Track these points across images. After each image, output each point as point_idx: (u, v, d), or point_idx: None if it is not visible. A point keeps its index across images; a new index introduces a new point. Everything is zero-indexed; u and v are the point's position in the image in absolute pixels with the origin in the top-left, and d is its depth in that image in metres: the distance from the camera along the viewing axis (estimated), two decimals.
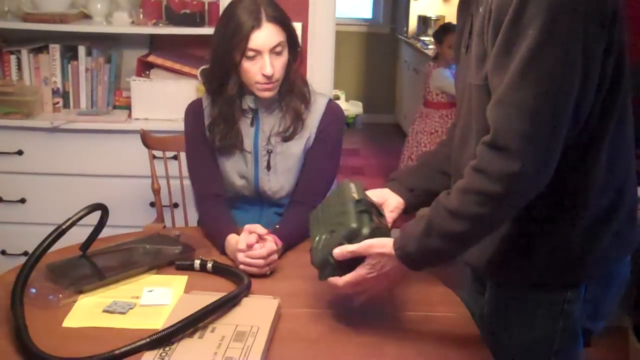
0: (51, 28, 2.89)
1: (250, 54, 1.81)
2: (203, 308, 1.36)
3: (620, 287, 1.42)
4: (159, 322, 1.39)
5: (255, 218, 1.96)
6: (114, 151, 2.89)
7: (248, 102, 1.91)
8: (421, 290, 1.60)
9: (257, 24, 1.79)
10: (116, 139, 2.88)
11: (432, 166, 1.62)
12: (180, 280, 1.62)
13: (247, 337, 1.33)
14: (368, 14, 7.23)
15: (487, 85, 1.24)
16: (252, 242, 1.66)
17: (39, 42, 2.97)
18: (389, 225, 1.53)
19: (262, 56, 1.81)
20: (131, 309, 1.48)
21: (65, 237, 1.49)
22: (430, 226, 1.29)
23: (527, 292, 1.37)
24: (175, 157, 2.51)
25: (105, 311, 1.46)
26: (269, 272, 1.66)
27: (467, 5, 1.39)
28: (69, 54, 2.99)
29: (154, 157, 2.46)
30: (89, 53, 2.98)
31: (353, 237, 1.35)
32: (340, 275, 1.37)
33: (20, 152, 2.88)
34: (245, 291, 1.50)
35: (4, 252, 3.01)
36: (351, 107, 5.41)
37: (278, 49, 1.83)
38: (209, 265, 1.65)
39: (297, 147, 1.93)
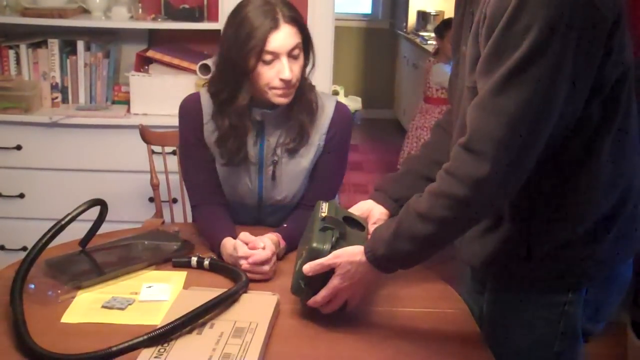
0: (50, 23, 2.89)
1: (267, 57, 1.69)
2: (201, 305, 1.36)
3: (621, 288, 1.40)
4: (157, 318, 1.39)
5: (253, 219, 1.93)
6: (113, 146, 2.89)
7: (255, 116, 1.81)
8: (421, 287, 1.60)
9: (274, 25, 1.68)
10: (115, 134, 2.88)
11: (416, 173, 1.60)
12: (179, 276, 1.62)
13: (246, 333, 1.33)
14: (367, 9, 7.22)
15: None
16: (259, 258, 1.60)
17: (37, 37, 2.97)
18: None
19: (280, 59, 1.70)
20: (130, 304, 1.48)
21: (64, 233, 1.49)
22: (399, 229, 1.29)
23: (527, 293, 1.36)
24: (174, 152, 2.51)
25: (104, 307, 1.46)
26: (273, 276, 1.63)
27: (464, 0, 1.37)
28: (68, 49, 2.98)
29: (153, 152, 2.46)
30: (87, 48, 2.98)
31: (315, 256, 1.38)
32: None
33: (19, 147, 2.88)
34: (244, 287, 1.50)
35: (2, 247, 3.01)
36: (350, 103, 5.41)
37: (295, 51, 1.73)
38: (206, 262, 1.65)
39: (305, 158, 1.86)
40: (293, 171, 1.87)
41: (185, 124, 1.90)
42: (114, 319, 1.42)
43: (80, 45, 2.95)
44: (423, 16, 6.34)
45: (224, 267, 1.64)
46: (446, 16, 5.73)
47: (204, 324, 1.36)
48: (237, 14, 1.74)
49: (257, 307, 1.43)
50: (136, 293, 1.52)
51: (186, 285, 1.57)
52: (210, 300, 1.38)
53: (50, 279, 1.53)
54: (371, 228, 1.54)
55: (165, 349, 1.27)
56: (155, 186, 2.46)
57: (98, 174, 2.90)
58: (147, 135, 2.42)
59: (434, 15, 6.24)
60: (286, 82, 1.72)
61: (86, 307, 1.47)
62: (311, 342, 1.38)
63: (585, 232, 1.28)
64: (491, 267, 1.38)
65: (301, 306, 1.46)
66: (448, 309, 1.52)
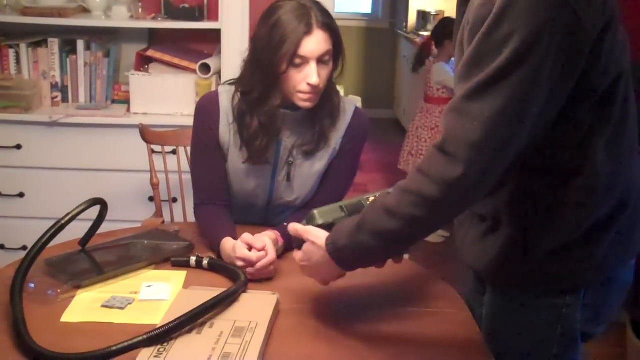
0: (50, 22, 2.89)
1: (298, 61, 1.69)
2: (201, 305, 1.35)
3: (621, 291, 1.40)
4: (157, 318, 1.39)
5: (261, 220, 1.92)
6: (113, 146, 2.89)
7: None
8: (421, 286, 1.60)
9: (308, 30, 1.68)
10: (115, 133, 2.88)
11: None
12: (179, 276, 1.62)
13: (246, 332, 1.33)
14: (367, 9, 7.23)
15: None
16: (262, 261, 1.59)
17: (37, 36, 2.96)
18: None
19: (309, 64, 1.70)
20: (130, 304, 1.48)
21: (64, 232, 1.50)
22: (363, 221, 1.27)
23: (525, 296, 1.36)
24: (174, 152, 2.51)
25: (103, 306, 1.46)
26: (274, 273, 1.63)
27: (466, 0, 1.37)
28: (68, 48, 2.98)
29: (153, 151, 2.46)
30: (87, 47, 2.97)
31: (309, 219, 1.40)
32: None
33: (18, 147, 2.88)
34: (244, 287, 1.50)
35: (2, 247, 3.01)
36: None
37: (326, 57, 1.73)
38: (205, 262, 1.65)
39: (320, 161, 1.86)
40: (307, 173, 1.87)
41: (201, 122, 1.88)
42: (113, 319, 1.42)
43: (80, 44, 2.95)
44: (423, 16, 6.35)
45: (223, 267, 1.64)
46: (446, 16, 5.72)
47: (203, 324, 1.36)
48: (271, 15, 1.73)
49: (257, 306, 1.43)
50: (136, 292, 1.52)
51: (186, 285, 1.57)
52: (210, 300, 1.38)
53: (50, 278, 1.53)
54: None
55: (164, 349, 1.27)
56: (155, 186, 2.46)
57: (98, 173, 2.91)
58: (147, 134, 2.42)
59: (434, 15, 6.23)
60: (313, 87, 1.72)
61: (86, 306, 1.47)
62: (311, 342, 1.38)
63: (582, 236, 1.27)
64: (490, 268, 1.38)
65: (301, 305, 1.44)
66: (448, 309, 1.52)
